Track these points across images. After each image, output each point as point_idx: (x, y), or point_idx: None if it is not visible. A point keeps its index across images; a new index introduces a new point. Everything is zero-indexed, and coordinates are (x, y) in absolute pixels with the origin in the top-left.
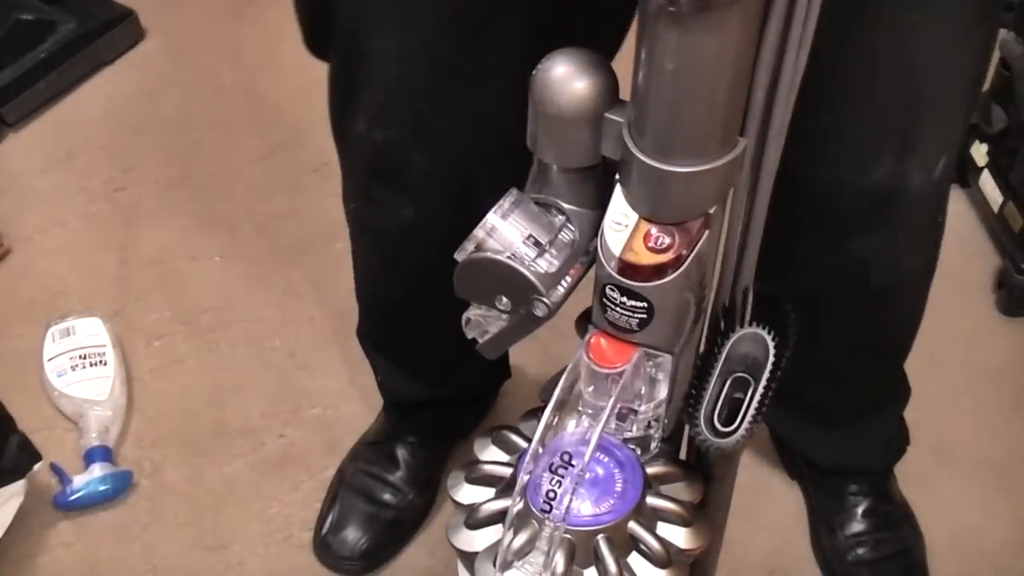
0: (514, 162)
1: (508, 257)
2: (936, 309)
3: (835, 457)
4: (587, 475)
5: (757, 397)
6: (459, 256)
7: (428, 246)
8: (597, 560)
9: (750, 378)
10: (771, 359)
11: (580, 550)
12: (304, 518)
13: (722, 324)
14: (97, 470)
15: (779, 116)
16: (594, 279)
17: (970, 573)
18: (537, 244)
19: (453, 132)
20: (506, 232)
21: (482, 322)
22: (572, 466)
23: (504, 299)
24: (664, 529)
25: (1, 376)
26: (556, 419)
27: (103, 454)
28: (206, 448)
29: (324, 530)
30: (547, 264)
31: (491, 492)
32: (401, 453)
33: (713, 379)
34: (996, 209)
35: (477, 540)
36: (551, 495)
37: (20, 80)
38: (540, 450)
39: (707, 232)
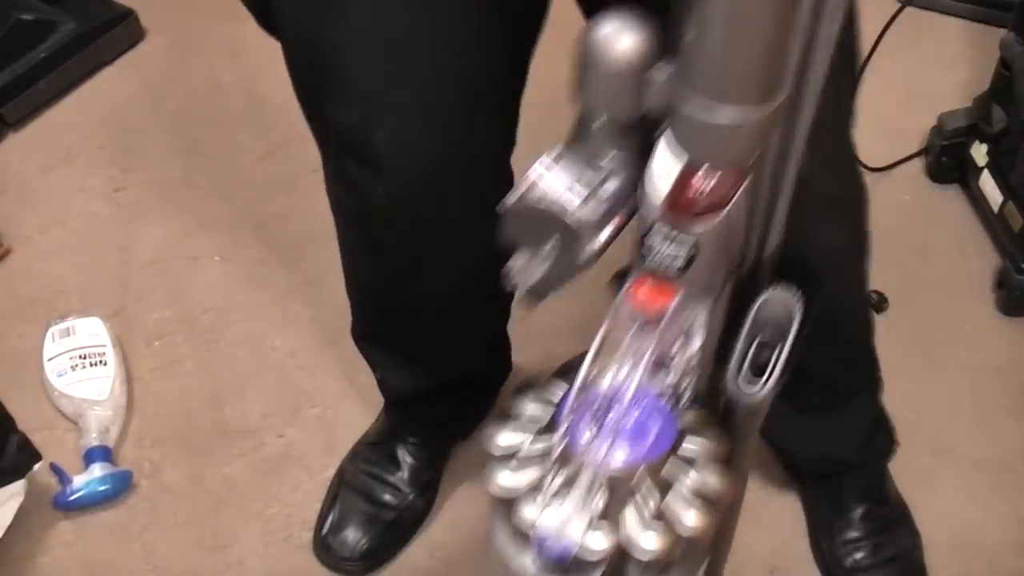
0: (475, 137)
1: (553, 203)
2: (936, 309)
3: (812, 447)
4: (626, 419)
5: (785, 353)
6: (507, 201)
7: (403, 225)
8: (635, 501)
9: (774, 341)
10: (798, 319)
11: (618, 491)
12: (304, 518)
13: (749, 284)
14: (97, 470)
15: (817, 67)
16: (636, 229)
17: (970, 573)
18: (581, 193)
19: (408, 110)
20: (552, 180)
21: (524, 270)
22: (612, 409)
23: (548, 245)
24: (696, 477)
25: (1, 376)
26: (595, 370)
27: (103, 454)
28: (206, 448)
29: (324, 530)
30: (591, 212)
31: (529, 438)
32: (402, 453)
33: (741, 337)
34: (996, 209)
35: (516, 483)
36: (590, 437)
37: (20, 80)
38: (580, 396)
39: (747, 180)
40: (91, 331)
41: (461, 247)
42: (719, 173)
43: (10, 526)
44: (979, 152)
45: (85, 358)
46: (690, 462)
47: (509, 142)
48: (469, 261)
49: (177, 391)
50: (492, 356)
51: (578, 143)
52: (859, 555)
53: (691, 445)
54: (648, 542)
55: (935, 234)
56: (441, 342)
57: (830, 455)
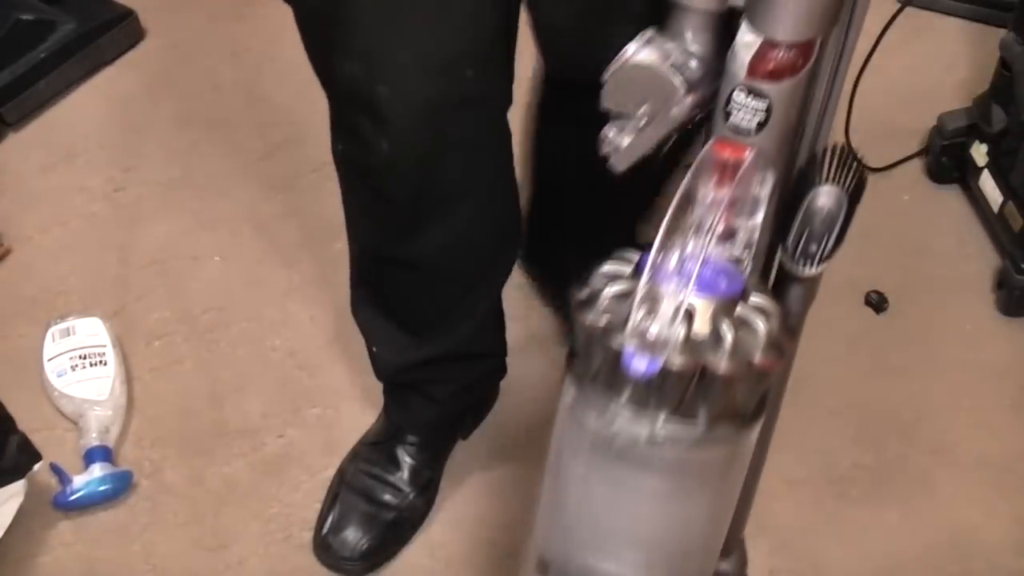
0: (474, 92)
1: (651, 67)
2: (936, 309)
3: None
4: (702, 268)
5: (834, 236)
6: (608, 69)
7: (407, 178)
8: (714, 333)
9: (819, 233)
10: (844, 212)
11: (697, 321)
12: (304, 518)
13: (804, 179)
14: (97, 470)
15: None
16: (719, 96)
17: (970, 573)
18: (674, 63)
19: (408, 64)
20: (648, 52)
21: (617, 135)
22: (688, 261)
23: (644, 106)
24: (764, 321)
25: (1, 376)
26: (674, 225)
27: (103, 454)
28: (206, 448)
29: (325, 530)
30: (682, 78)
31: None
32: (401, 454)
33: (797, 221)
34: (996, 209)
35: (602, 320)
36: (671, 277)
37: (20, 80)
38: (660, 249)
39: (816, 53)
40: (91, 331)
41: (462, 201)
42: (790, 46)
43: (10, 526)
44: (979, 152)
45: (85, 358)
46: (758, 310)
47: (507, 97)
48: (469, 216)
49: (177, 391)
50: (485, 332)
51: (668, 30)
52: None
53: (757, 299)
54: (722, 364)
55: (935, 234)
56: (437, 302)
57: None
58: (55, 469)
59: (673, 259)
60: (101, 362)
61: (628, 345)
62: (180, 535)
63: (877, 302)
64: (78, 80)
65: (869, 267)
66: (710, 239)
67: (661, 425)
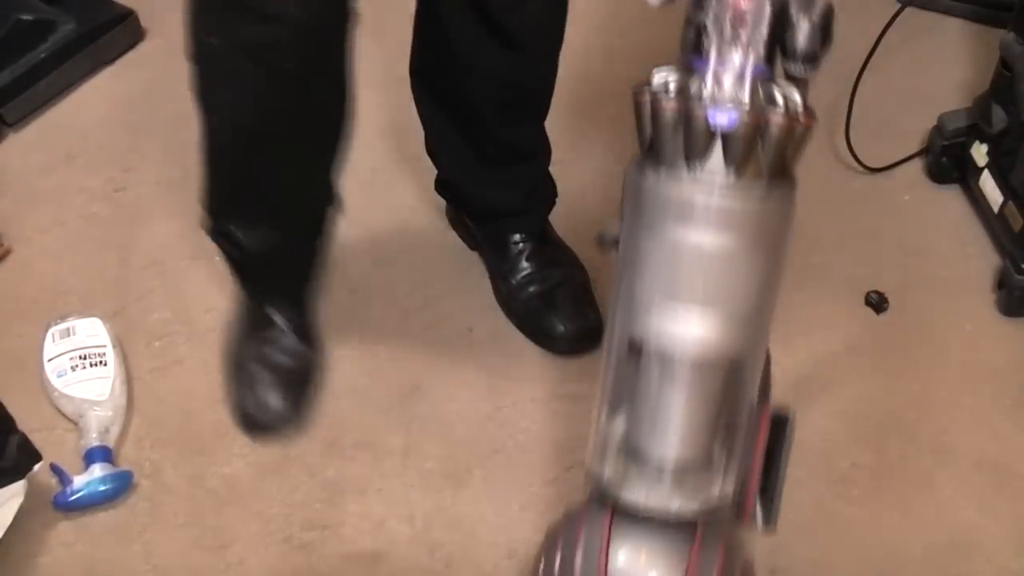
0: None
1: None
2: (936, 309)
3: (491, 200)
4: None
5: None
6: None
7: (311, 40)
8: (767, 95)
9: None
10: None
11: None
12: (304, 518)
13: None
14: (97, 470)
15: None
16: None
17: (970, 573)
18: None
19: None
20: None
21: None
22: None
23: None
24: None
25: (1, 376)
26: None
27: (103, 454)
28: (206, 448)
29: (244, 409)
30: None
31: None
32: (273, 314)
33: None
34: (996, 209)
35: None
36: (729, 49)
37: (20, 80)
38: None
39: None
40: (91, 331)
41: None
42: None
43: (10, 526)
44: (979, 152)
45: (85, 358)
46: (789, 83)
47: None
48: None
49: (177, 391)
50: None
51: None
52: (532, 288)
53: (782, 80)
54: (779, 117)
55: (935, 234)
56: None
57: (501, 200)
58: (55, 469)
59: (715, 52)
60: (101, 362)
61: (709, 106)
62: (180, 535)
63: (877, 302)
64: (78, 80)
65: (869, 267)
66: (746, 36)
67: (733, 182)
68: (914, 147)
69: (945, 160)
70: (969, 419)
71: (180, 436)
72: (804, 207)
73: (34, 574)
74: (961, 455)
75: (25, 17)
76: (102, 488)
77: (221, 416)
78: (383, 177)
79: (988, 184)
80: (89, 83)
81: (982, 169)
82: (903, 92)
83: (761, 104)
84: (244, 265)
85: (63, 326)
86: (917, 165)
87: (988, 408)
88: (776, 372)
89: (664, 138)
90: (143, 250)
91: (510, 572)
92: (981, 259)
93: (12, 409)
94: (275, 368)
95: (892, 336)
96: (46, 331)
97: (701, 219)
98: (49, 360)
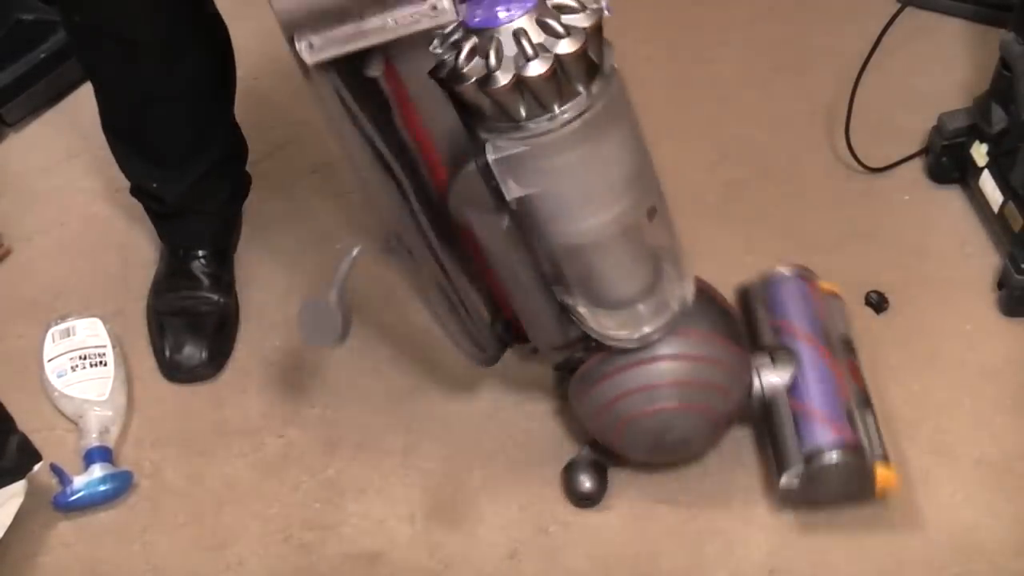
0: None
1: None
2: (936, 309)
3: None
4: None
5: None
6: None
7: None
8: (550, 31)
9: None
10: None
11: (532, 32)
12: (304, 518)
13: None
14: (97, 470)
15: None
16: None
17: (970, 573)
18: None
19: None
20: None
21: None
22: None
23: None
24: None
25: (1, 376)
26: None
27: (103, 454)
28: (206, 448)
29: (167, 355)
30: None
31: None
32: (196, 269)
33: None
34: (996, 209)
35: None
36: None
37: (20, 80)
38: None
39: None
40: (91, 331)
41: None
42: None
43: (10, 526)
44: (979, 152)
45: (85, 358)
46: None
47: None
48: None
49: (177, 391)
50: (232, 138)
51: None
52: None
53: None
54: (568, 47)
55: (935, 234)
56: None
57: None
58: (55, 469)
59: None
60: (101, 362)
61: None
62: (180, 535)
63: (877, 302)
64: (78, 80)
65: (869, 267)
66: None
67: (559, 111)
68: (914, 147)
69: (945, 160)
70: (969, 419)
71: (180, 436)
72: (804, 207)
73: (34, 574)
74: (961, 455)
75: (25, 17)
76: (102, 488)
77: (221, 416)
78: None
79: (988, 184)
80: (89, 83)
81: (982, 169)
82: (903, 92)
83: (549, 43)
84: (164, 216)
85: (63, 326)
86: (917, 165)
87: (988, 408)
88: None
89: (512, 106)
90: (143, 250)
91: (510, 572)
92: (981, 259)
93: (12, 409)
94: (192, 315)
95: (892, 336)
96: (46, 331)
97: (565, 146)
98: (49, 360)
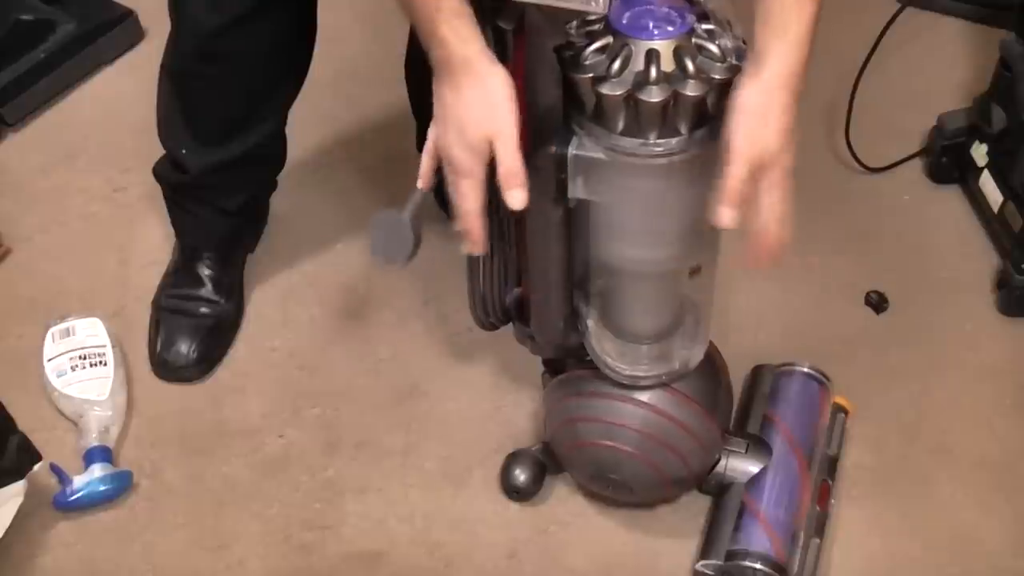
0: None
1: None
2: (936, 309)
3: None
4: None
5: None
6: None
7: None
8: (680, 65)
9: None
10: None
11: (663, 58)
12: (304, 518)
13: None
14: (97, 470)
15: None
16: None
17: (970, 573)
18: None
19: None
20: None
21: None
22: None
23: None
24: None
25: (1, 376)
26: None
27: (103, 454)
28: (206, 448)
29: (158, 351)
30: None
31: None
32: (202, 270)
33: None
34: (996, 209)
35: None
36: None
37: (20, 80)
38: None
39: None
40: (91, 331)
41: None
42: None
43: (10, 526)
44: (979, 152)
45: (85, 358)
46: (708, 34)
47: None
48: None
49: (177, 391)
50: (277, 137)
51: None
52: None
53: (706, 25)
54: (691, 89)
55: (935, 234)
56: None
57: None
58: (55, 469)
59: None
60: (101, 362)
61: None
62: (180, 535)
63: (877, 302)
64: (78, 80)
65: (869, 267)
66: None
67: (653, 141)
68: (914, 147)
69: (945, 160)
70: (969, 419)
71: (180, 436)
72: (803, 207)
73: (34, 574)
74: (961, 455)
75: (25, 17)
76: (102, 488)
77: (221, 416)
78: (381, 176)
79: (988, 184)
80: (88, 83)
81: (982, 169)
82: (903, 92)
83: (672, 77)
84: (179, 203)
85: (63, 326)
86: (917, 165)
87: (988, 408)
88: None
89: (613, 116)
90: (143, 250)
91: (510, 572)
92: (981, 259)
93: (12, 409)
94: (189, 315)
95: (892, 336)
96: (46, 331)
97: (643, 174)
98: (49, 360)
